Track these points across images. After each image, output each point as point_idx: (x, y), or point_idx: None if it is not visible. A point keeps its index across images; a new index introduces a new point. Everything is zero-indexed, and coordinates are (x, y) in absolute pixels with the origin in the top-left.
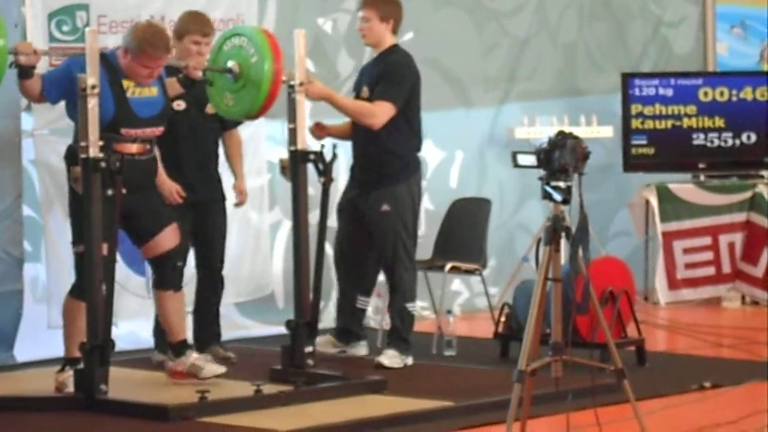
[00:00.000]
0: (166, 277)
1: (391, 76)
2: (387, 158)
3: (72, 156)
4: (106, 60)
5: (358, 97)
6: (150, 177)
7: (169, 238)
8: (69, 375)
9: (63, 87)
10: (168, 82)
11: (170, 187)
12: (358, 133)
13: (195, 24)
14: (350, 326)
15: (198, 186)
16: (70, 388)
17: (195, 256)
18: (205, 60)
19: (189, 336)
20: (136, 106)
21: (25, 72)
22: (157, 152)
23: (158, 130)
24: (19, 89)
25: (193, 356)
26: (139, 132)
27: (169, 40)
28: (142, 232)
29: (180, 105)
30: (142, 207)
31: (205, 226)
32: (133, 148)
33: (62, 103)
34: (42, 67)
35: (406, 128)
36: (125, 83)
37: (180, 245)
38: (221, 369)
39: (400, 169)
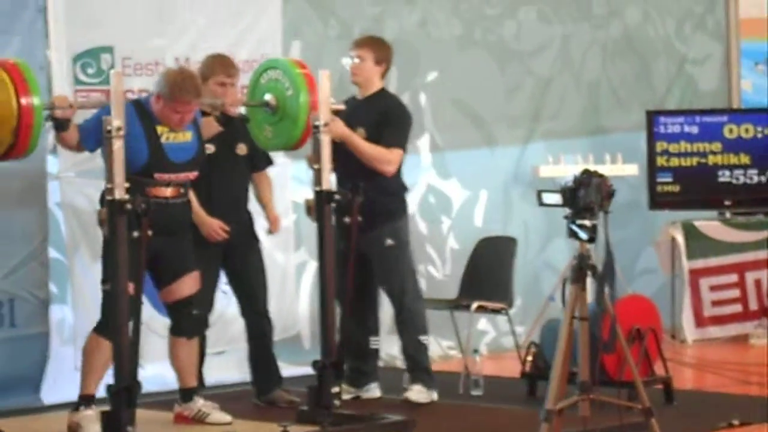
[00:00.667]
0: (181, 323)
1: (396, 122)
2: (384, 198)
3: (104, 199)
4: (141, 106)
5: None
6: (182, 221)
7: (189, 284)
8: (84, 415)
9: (99, 135)
10: (204, 122)
11: (211, 224)
12: (347, 173)
13: (219, 66)
14: (362, 367)
15: (233, 227)
16: (87, 429)
17: (239, 303)
18: (238, 96)
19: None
20: (170, 151)
21: (61, 125)
22: (191, 195)
23: (192, 175)
24: (57, 141)
25: (200, 402)
26: (173, 177)
27: (200, 85)
28: (164, 275)
29: (209, 148)
30: (170, 250)
31: (243, 270)
32: (167, 191)
33: None
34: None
35: (400, 169)
36: (159, 129)
37: (198, 293)
38: (227, 417)
39: (395, 207)
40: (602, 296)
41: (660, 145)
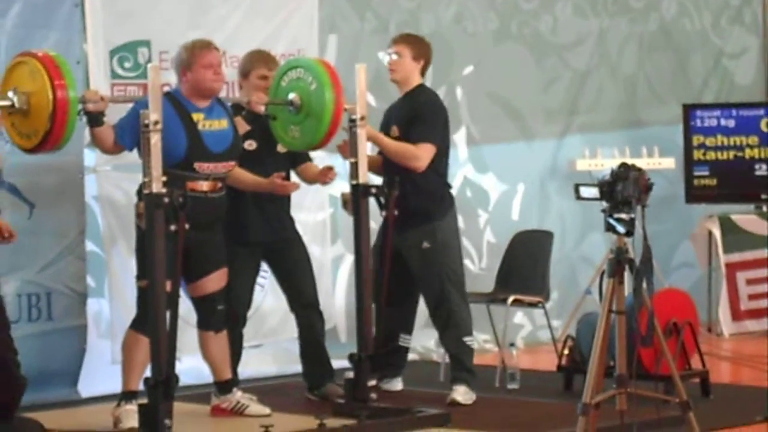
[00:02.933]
0: (207, 318)
1: (428, 117)
2: (422, 197)
3: (141, 193)
4: (172, 97)
5: (386, 135)
6: (219, 215)
7: (215, 281)
8: (125, 409)
9: (136, 130)
10: (234, 121)
11: (272, 181)
12: (390, 171)
13: (259, 60)
14: (392, 360)
15: (272, 225)
16: (126, 424)
17: (287, 298)
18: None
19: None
20: (208, 139)
21: (94, 119)
22: (243, 172)
23: (230, 165)
24: (92, 141)
25: (239, 394)
26: (212, 167)
27: (209, 40)
28: (194, 270)
29: (251, 145)
30: (202, 246)
31: (288, 265)
32: (205, 185)
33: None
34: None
35: (440, 166)
36: (195, 117)
37: (223, 289)
38: (266, 410)
39: (435, 206)
40: (639, 290)
41: (697, 139)
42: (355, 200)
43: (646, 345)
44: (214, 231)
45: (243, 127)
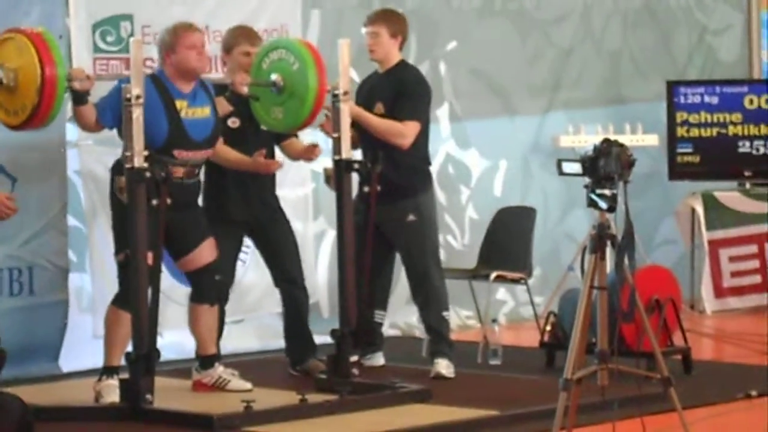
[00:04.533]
0: (204, 291)
1: (413, 94)
2: (404, 172)
3: (119, 168)
4: (157, 80)
5: (368, 112)
6: (193, 198)
7: (207, 251)
8: (106, 384)
9: (117, 109)
10: (216, 101)
11: (256, 160)
12: (368, 146)
13: (242, 36)
14: (370, 338)
15: (254, 203)
16: (107, 398)
17: (272, 274)
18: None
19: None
20: (189, 127)
21: (79, 98)
22: (229, 150)
23: (208, 153)
24: (75, 119)
25: (220, 369)
26: (191, 154)
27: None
28: (180, 246)
29: (235, 122)
30: (182, 222)
31: (273, 241)
32: (181, 172)
33: None
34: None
35: (421, 143)
36: (179, 104)
37: (218, 260)
38: (247, 385)
39: (418, 181)
40: (622, 266)
41: (680, 116)
42: (338, 175)
43: (627, 321)
44: (190, 209)
45: (225, 107)
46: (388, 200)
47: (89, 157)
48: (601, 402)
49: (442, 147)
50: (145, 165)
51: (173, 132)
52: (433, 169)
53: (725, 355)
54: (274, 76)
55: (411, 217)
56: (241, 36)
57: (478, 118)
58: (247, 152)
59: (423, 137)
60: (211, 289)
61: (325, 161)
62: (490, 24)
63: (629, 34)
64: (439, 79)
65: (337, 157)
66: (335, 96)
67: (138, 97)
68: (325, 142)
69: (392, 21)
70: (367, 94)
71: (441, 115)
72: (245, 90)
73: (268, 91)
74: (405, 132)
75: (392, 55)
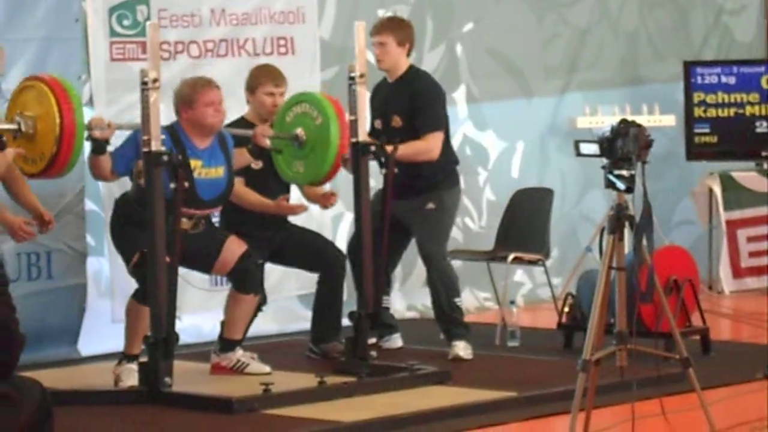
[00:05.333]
0: (246, 282)
1: (429, 103)
2: (429, 171)
3: (123, 202)
4: (174, 134)
5: (386, 124)
6: (201, 245)
7: (235, 246)
8: (126, 368)
9: (130, 159)
10: (237, 152)
11: (278, 203)
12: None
13: (265, 76)
14: (384, 319)
15: (273, 236)
16: (126, 382)
17: (311, 267)
18: (271, 126)
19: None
20: (200, 186)
21: (99, 147)
22: (249, 193)
23: (216, 210)
24: (90, 168)
25: (239, 353)
26: (198, 212)
27: (210, 78)
28: (204, 262)
29: (257, 164)
30: (195, 243)
31: (292, 243)
32: (188, 224)
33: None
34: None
35: (445, 144)
36: (193, 163)
37: (248, 250)
38: (266, 368)
39: (442, 179)
40: (640, 247)
41: (697, 96)
42: (355, 158)
43: (646, 302)
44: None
45: (247, 159)
46: (410, 195)
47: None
48: (619, 383)
49: (459, 129)
50: (162, 149)
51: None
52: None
53: (743, 335)
54: (297, 130)
55: (430, 206)
56: (265, 76)
57: (495, 99)
58: (268, 194)
59: (446, 139)
60: (253, 278)
61: None
62: (506, 5)
63: (646, 14)
64: (455, 61)
65: (354, 140)
66: (351, 78)
67: (155, 80)
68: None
69: (399, 29)
70: (382, 106)
71: (458, 97)
72: (267, 143)
73: (291, 145)
74: (430, 147)
75: (401, 63)
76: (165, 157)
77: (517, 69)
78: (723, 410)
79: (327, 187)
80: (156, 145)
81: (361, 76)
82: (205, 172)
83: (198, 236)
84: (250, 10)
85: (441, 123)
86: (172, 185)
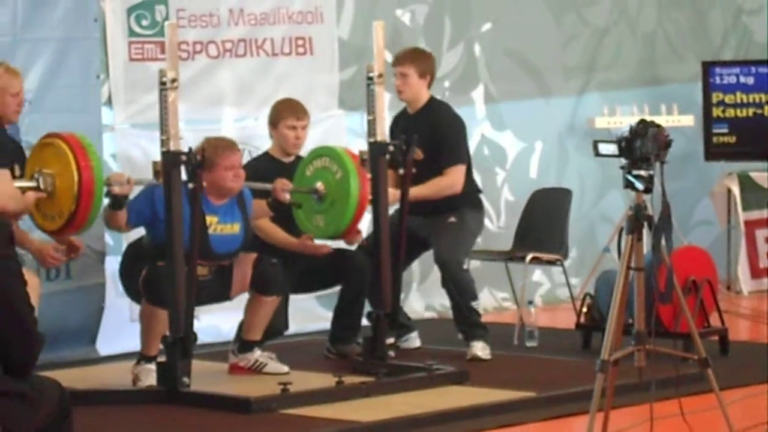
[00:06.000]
0: (269, 281)
1: (451, 137)
2: (452, 200)
3: (133, 249)
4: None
5: (404, 150)
6: (218, 289)
7: (244, 261)
8: (144, 368)
9: (144, 213)
10: (256, 204)
11: (303, 243)
12: (420, 179)
13: (287, 110)
14: (401, 319)
15: (293, 267)
16: (145, 381)
17: (337, 279)
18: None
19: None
20: (215, 242)
21: (118, 203)
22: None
23: (231, 260)
24: (105, 221)
25: (257, 353)
26: (212, 263)
27: (233, 141)
28: (222, 292)
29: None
30: (210, 284)
31: (318, 267)
32: (205, 270)
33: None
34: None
35: (467, 176)
36: (209, 219)
37: (260, 254)
38: (284, 368)
39: (464, 203)
40: (658, 247)
41: (716, 96)
42: (373, 158)
43: (664, 302)
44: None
45: (266, 212)
46: (432, 214)
47: (125, 141)
48: (638, 383)
49: (477, 129)
50: (181, 149)
51: (196, 245)
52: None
53: (762, 335)
54: (317, 184)
55: (451, 219)
56: (286, 110)
57: (513, 99)
58: (293, 230)
59: (468, 170)
60: (274, 278)
61: (360, 144)
62: (524, 5)
63: (664, 14)
64: (473, 61)
65: (371, 140)
66: (370, 78)
67: (174, 80)
68: (360, 124)
69: (420, 60)
70: (400, 131)
71: (476, 97)
72: (287, 197)
73: (310, 199)
74: (453, 181)
75: (422, 94)
76: (183, 157)
77: (536, 69)
78: (741, 411)
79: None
80: (175, 145)
81: (380, 76)
82: (221, 228)
83: (210, 279)
84: (269, 10)
85: (463, 156)
86: (191, 185)
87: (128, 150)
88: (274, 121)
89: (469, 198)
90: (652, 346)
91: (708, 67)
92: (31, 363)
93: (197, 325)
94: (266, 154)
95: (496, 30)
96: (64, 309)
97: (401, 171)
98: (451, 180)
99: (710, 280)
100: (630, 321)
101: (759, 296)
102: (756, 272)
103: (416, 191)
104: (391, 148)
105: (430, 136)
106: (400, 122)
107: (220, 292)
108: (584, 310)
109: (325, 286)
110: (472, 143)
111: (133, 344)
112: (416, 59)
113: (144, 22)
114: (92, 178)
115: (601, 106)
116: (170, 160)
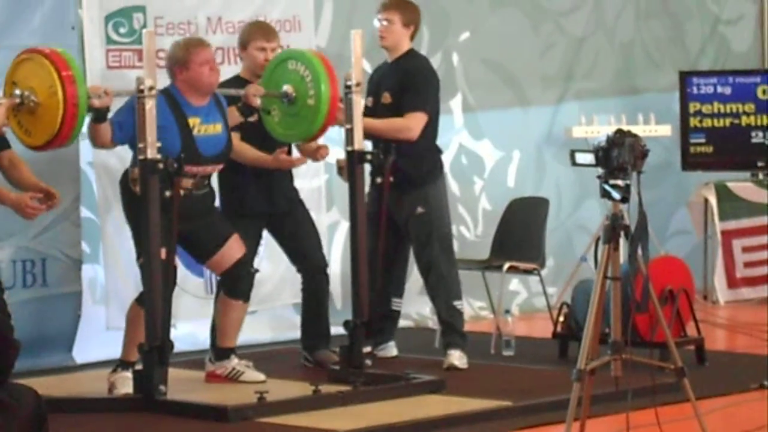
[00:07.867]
0: (238, 287)
1: (418, 84)
2: (412, 162)
3: (126, 180)
4: (170, 96)
5: (377, 102)
6: (205, 207)
7: (234, 249)
8: (120, 376)
9: (128, 123)
10: (228, 111)
11: (277, 157)
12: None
13: (258, 31)
14: (383, 326)
15: (273, 196)
16: (121, 389)
17: (294, 262)
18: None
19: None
20: (201, 143)
21: (100, 115)
22: (214, 184)
23: (218, 167)
24: (90, 137)
25: (235, 361)
26: (201, 169)
27: (201, 38)
28: (204, 249)
29: (254, 117)
30: (197, 231)
31: (292, 229)
32: (190, 183)
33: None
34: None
35: (430, 132)
36: (191, 121)
37: (247, 255)
38: (261, 376)
39: (427, 171)
40: (635, 256)
41: (693, 106)
42: (351, 167)
43: (641, 312)
44: (204, 217)
45: (236, 119)
46: (396, 190)
47: (102, 149)
48: (614, 393)
49: (455, 138)
50: (158, 156)
51: (185, 148)
52: (447, 159)
53: (738, 345)
54: (286, 87)
55: (419, 210)
56: (256, 32)
57: (491, 108)
58: (265, 148)
59: (432, 126)
60: (245, 284)
61: (337, 152)
62: (502, 14)
63: (642, 24)
64: (451, 70)
65: (349, 148)
66: (348, 87)
67: (151, 88)
68: (338, 133)
69: (406, 10)
70: (376, 84)
71: (454, 105)
72: (258, 102)
73: (281, 102)
74: (409, 125)
75: (402, 44)
76: (160, 165)
77: (514, 78)
78: (718, 420)
79: (320, 141)
80: (152, 153)
81: (357, 84)
82: (204, 128)
83: (200, 228)
84: (247, 18)
85: (426, 105)
86: (168, 193)
87: (105, 158)
88: (244, 43)
89: (430, 163)
90: (628, 355)
91: (685, 77)
92: (7, 370)
93: (174, 334)
94: (237, 76)
95: (474, 39)
96: (41, 317)
97: (379, 180)
98: (408, 123)
99: (687, 289)
100: (606, 330)
101: (735, 306)
102: (732, 282)
103: (371, 122)
104: (369, 156)
105: (401, 80)
106: (377, 72)
107: (203, 245)
108: (561, 319)
109: (285, 253)
110: (450, 152)
111: (110, 352)
112: (402, 8)
113: (122, 30)
114: (76, 92)
115: (579, 116)
116: (147, 167)
